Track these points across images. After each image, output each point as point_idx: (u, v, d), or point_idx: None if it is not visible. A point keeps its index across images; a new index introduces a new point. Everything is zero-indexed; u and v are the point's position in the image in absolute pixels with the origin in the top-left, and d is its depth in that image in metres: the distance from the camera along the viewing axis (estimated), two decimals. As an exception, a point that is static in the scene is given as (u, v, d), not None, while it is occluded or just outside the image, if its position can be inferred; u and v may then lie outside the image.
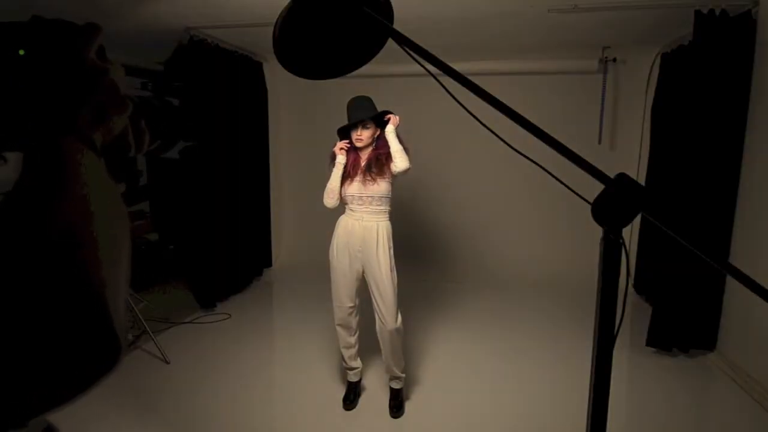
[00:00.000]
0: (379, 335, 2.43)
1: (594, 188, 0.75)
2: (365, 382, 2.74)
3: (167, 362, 2.98)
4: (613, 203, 0.75)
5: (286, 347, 3.45)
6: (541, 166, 0.86)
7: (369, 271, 2.38)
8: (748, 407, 2.56)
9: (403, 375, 2.52)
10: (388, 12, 0.82)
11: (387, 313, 2.36)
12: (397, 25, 0.77)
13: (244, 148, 4.19)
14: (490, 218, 4.77)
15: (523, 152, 0.85)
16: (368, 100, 2.39)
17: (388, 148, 2.32)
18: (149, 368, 2.94)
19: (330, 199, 2.39)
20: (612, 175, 0.77)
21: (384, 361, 2.50)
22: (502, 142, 0.87)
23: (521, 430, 2.38)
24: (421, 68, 0.80)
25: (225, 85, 4.02)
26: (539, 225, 4.62)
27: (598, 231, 0.74)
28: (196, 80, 3.73)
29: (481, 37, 3.88)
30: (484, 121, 0.86)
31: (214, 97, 3.90)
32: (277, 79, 4.82)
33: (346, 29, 0.81)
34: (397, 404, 2.50)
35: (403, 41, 0.77)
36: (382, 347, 2.45)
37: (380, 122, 2.40)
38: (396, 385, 2.53)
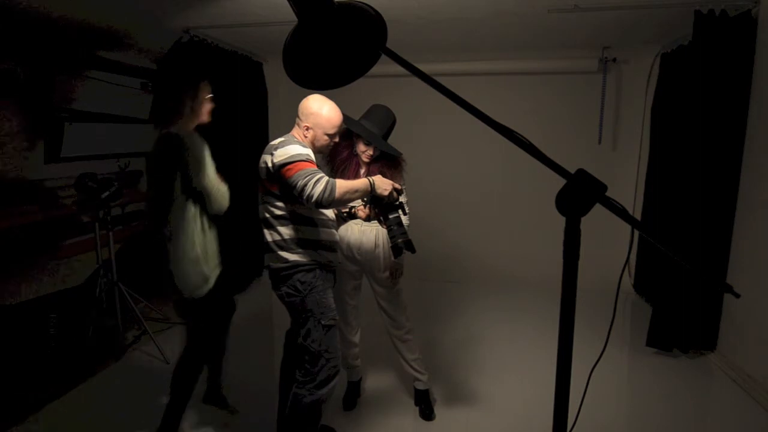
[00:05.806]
0: (390, 338, 2.43)
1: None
2: (365, 382, 2.74)
3: (167, 362, 2.98)
4: (573, 195, 0.79)
5: (286, 347, 3.44)
6: (531, 153, 0.87)
7: (371, 275, 2.36)
8: (748, 407, 2.56)
9: (425, 374, 2.47)
10: (381, 26, 0.87)
11: (395, 315, 2.36)
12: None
13: (244, 148, 4.18)
14: (490, 218, 4.77)
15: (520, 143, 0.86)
16: (389, 118, 2.24)
17: (388, 160, 2.23)
18: (149, 368, 2.94)
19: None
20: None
21: (403, 365, 2.46)
22: (502, 143, 0.88)
23: (524, 428, 2.38)
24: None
25: (225, 85, 4.02)
26: (539, 225, 4.62)
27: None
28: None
29: (481, 37, 3.87)
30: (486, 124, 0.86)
31: (214, 97, 3.89)
32: (277, 79, 4.82)
33: (344, 49, 0.88)
34: (425, 407, 2.45)
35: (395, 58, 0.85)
36: (396, 349, 2.44)
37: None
38: (420, 386, 2.49)
